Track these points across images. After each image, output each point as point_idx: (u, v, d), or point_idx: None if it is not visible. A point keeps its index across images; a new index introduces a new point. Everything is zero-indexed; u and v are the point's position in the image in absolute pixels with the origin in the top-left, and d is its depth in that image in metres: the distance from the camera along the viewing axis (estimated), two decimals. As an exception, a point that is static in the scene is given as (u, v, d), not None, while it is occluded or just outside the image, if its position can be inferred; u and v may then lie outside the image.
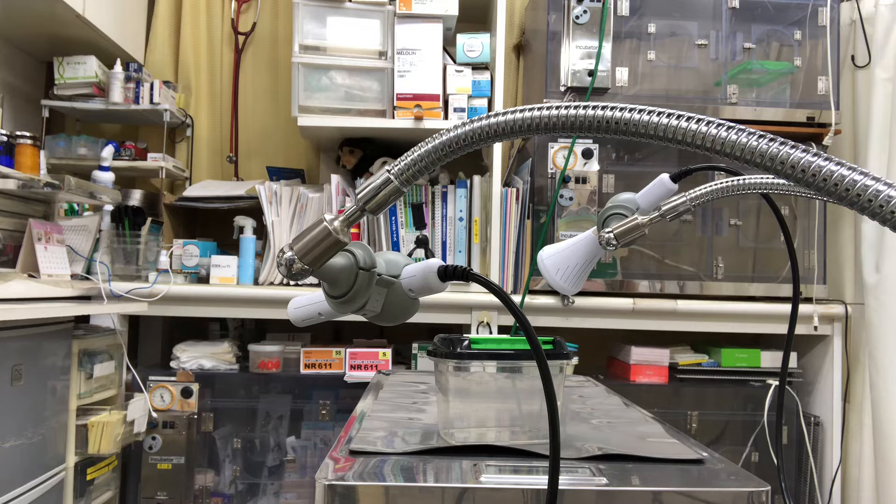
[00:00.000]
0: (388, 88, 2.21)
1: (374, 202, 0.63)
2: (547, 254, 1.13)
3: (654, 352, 2.27)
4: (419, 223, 2.23)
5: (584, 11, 2.12)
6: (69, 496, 1.86)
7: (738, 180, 0.98)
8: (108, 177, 2.24)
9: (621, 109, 0.51)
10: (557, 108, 0.53)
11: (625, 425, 1.14)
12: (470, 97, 2.22)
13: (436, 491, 0.82)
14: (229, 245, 2.35)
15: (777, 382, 2.23)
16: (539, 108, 0.54)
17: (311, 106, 2.21)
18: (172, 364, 2.20)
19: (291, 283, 2.19)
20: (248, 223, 2.30)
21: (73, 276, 2.04)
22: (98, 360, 1.97)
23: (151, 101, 2.38)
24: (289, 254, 0.65)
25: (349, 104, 2.22)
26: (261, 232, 2.30)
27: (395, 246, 2.23)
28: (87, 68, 2.34)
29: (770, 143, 0.45)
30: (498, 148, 2.24)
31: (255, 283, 2.27)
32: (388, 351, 2.21)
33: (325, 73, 2.21)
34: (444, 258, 2.22)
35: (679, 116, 0.49)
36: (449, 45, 2.28)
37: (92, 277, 2.07)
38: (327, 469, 0.85)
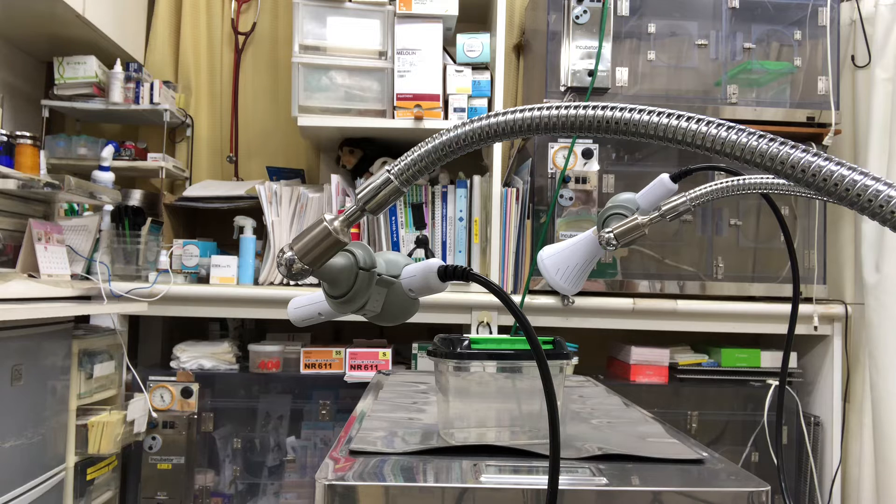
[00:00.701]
0: (388, 88, 2.21)
1: (374, 202, 0.63)
2: (547, 254, 1.13)
3: (654, 352, 2.27)
4: (419, 223, 2.23)
5: (584, 11, 2.12)
6: (69, 496, 1.85)
7: (738, 180, 0.98)
8: (108, 177, 2.24)
9: (621, 109, 0.51)
10: (557, 108, 0.53)
11: (625, 425, 1.14)
12: (470, 97, 2.22)
13: (436, 491, 0.82)
14: (229, 245, 2.35)
15: (777, 382, 2.23)
16: (539, 108, 0.54)
17: (311, 106, 2.21)
18: (172, 364, 2.20)
19: (291, 283, 2.19)
20: (248, 223, 2.30)
21: (73, 276, 2.04)
22: (98, 360, 1.97)
23: (151, 101, 2.38)
24: (289, 254, 0.65)
25: (349, 104, 2.22)
26: (261, 232, 2.30)
27: (395, 246, 2.23)
28: (87, 68, 2.34)
29: (770, 143, 0.45)
30: (498, 148, 2.24)
31: (255, 283, 2.27)
32: (388, 351, 2.21)
33: (325, 73, 2.21)
34: (444, 258, 2.22)
35: (679, 116, 0.49)
36: (449, 45, 2.28)
37: (92, 277, 2.07)
38: (327, 469, 0.85)
